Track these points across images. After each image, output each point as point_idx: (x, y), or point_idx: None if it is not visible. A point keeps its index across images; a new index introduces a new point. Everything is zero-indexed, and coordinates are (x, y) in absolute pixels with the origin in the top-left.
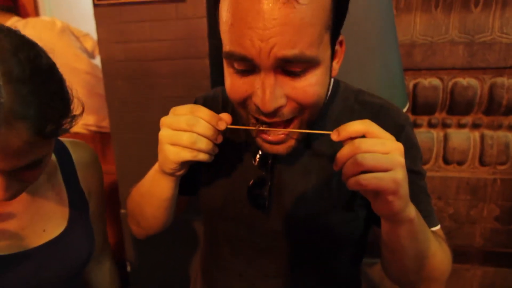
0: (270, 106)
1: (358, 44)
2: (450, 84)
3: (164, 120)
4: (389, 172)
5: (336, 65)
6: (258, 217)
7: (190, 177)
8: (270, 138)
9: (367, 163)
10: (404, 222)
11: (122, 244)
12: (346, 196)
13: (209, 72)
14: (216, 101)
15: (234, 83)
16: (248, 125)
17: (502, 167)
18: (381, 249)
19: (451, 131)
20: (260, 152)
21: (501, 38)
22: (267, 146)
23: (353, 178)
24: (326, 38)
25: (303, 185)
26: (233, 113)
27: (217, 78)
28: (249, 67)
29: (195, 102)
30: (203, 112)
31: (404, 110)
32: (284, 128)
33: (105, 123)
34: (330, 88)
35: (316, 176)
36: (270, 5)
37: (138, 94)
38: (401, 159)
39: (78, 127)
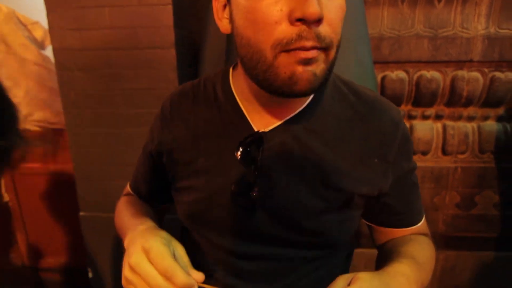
0: (316, 12)
1: None
2: (415, 77)
3: (128, 271)
4: None
5: None
6: (244, 221)
7: (166, 184)
8: (304, 55)
9: None
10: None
11: (82, 250)
12: (344, 194)
13: (175, 63)
14: (186, 98)
15: (264, 5)
16: (274, 77)
17: (462, 156)
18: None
19: (416, 123)
20: (241, 149)
21: (461, 33)
22: (300, 70)
23: None
24: None
25: (295, 183)
26: (207, 108)
27: (184, 70)
28: None
29: (162, 105)
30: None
31: None
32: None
33: (57, 119)
34: None
35: (309, 174)
36: None
37: (97, 87)
38: None
39: (27, 124)
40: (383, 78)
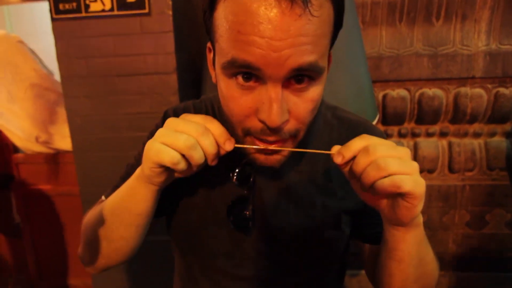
0: (278, 120)
1: None
2: (417, 94)
3: (169, 121)
4: (414, 175)
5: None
6: (238, 241)
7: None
8: (264, 146)
9: (391, 167)
10: (417, 226)
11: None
12: (331, 214)
13: (177, 87)
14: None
15: (236, 98)
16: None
17: (470, 174)
18: (379, 262)
19: (420, 140)
20: (237, 170)
21: (462, 50)
22: (262, 158)
23: (383, 181)
24: (327, 49)
25: (286, 203)
26: None
27: (186, 94)
28: (252, 78)
29: (165, 115)
30: (215, 125)
31: (375, 121)
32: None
33: (64, 142)
34: None
35: (298, 194)
36: (286, 17)
37: (102, 112)
38: (416, 163)
39: (35, 146)
40: (384, 97)
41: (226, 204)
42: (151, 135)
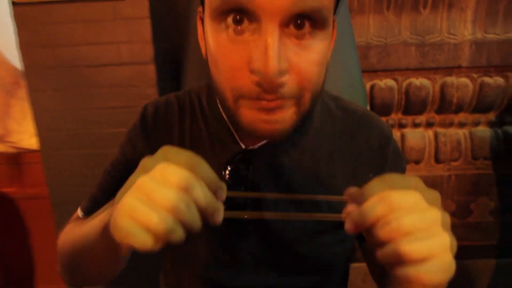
0: (274, 69)
1: None
2: (404, 84)
3: (142, 182)
4: (442, 256)
5: (330, 50)
6: (234, 248)
7: None
8: (261, 105)
9: (415, 254)
10: None
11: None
12: (338, 213)
13: (155, 79)
14: (171, 109)
15: (225, 49)
16: (237, 119)
17: (456, 163)
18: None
19: (407, 131)
20: (229, 168)
21: (449, 39)
22: (262, 125)
23: (401, 270)
24: (332, 7)
25: (286, 203)
26: (193, 122)
27: (165, 87)
28: (244, 21)
29: (144, 111)
30: (203, 170)
31: None
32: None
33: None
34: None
35: (300, 193)
36: None
37: (72, 106)
38: (446, 237)
39: (1, 146)
40: (372, 87)
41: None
42: (129, 139)
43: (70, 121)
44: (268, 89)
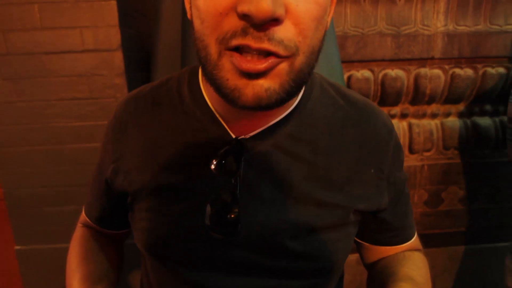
0: (268, 10)
1: None
2: (380, 75)
3: None
4: None
5: (329, 17)
6: (221, 250)
7: (126, 208)
8: (246, 66)
9: None
10: None
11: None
12: (338, 210)
13: (123, 67)
14: (143, 103)
15: None
16: (219, 83)
17: (428, 154)
18: None
19: None
20: (215, 161)
21: (423, 30)
22: (245, 89)
23: None
24: None
25: (281, 199)
26: (172, 115)
27: (134, 76)
28: None
29: (126, 105)
30: None
31: None
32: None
33: None
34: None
35: (297, 188)
36: None
37: (28, 98)
38: None
39: None
40: (349, 78)
41: (205, 205)
42: (104, 139)
43: (25, 114)
44: (255, 34)
